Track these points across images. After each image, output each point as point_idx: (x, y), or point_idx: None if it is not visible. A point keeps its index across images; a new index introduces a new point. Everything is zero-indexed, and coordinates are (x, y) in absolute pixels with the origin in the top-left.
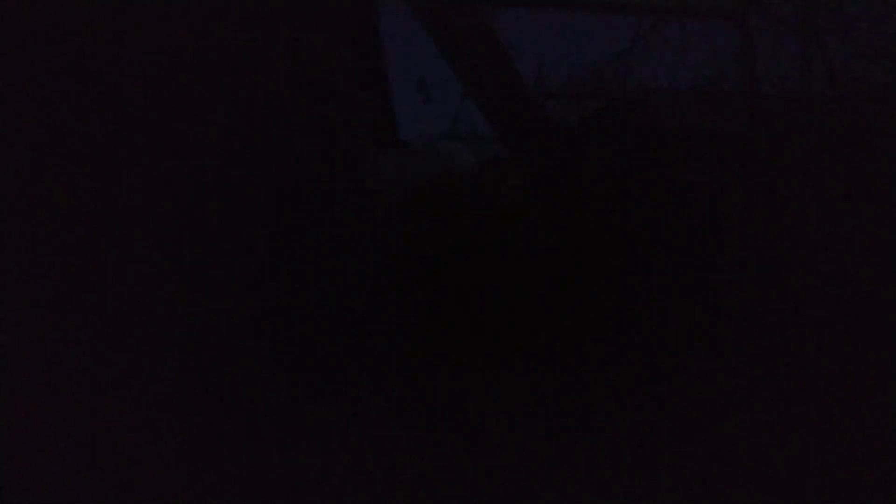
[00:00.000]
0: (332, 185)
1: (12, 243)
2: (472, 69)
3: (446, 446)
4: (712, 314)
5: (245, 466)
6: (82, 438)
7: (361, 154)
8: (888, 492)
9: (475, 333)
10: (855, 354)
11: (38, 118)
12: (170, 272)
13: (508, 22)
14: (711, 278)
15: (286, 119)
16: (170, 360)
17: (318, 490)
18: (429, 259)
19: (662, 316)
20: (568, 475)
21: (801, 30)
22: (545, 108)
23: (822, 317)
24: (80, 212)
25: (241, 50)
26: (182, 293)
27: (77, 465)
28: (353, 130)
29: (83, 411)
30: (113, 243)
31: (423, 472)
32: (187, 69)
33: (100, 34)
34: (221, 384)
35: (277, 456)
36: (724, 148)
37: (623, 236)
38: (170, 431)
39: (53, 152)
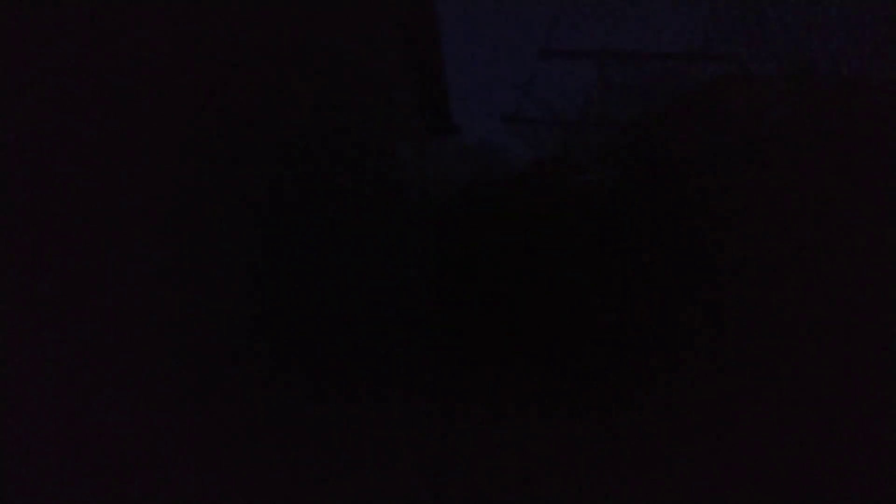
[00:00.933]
0: (375, 177)
1: (12, 243)
2: None
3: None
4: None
5: (245, 467)
6: (81, 439)
7: (409, 143)
8: (888, 492)
9: (511, 339)
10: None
11: (38, 118)
12: (191, 269)
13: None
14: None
15: (329, 103)
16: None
17: (319, 490)
18: (471, 260)
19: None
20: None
21: None
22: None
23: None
24: (102, 211)
25: (284, 31)
26: (201, 291)
27: (76, 466)
28: (401, 116)
29: (82, 412)
30: (136, 246)
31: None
32: (231, 49)
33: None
34: (227, 385)
35: (281, 458)
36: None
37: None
38: (170, 432)
39: (68, 151)
